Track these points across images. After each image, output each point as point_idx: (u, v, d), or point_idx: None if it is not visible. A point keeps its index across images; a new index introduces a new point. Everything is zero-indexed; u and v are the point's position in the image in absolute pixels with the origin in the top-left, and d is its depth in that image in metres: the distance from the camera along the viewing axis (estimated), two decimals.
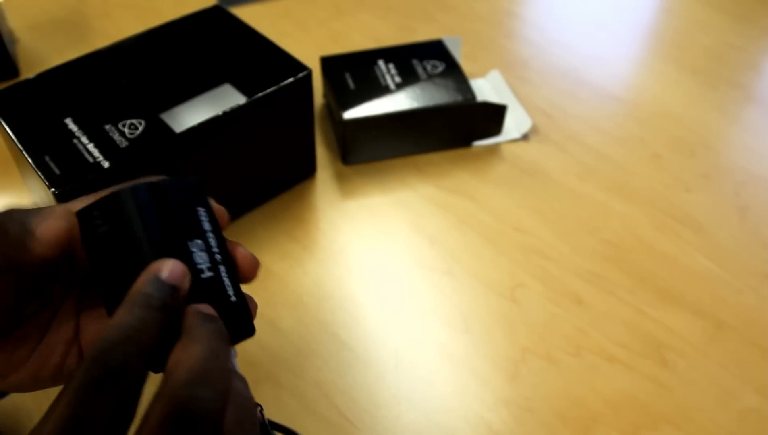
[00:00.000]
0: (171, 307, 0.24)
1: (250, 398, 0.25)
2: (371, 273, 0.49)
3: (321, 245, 0.51)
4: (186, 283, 0.24)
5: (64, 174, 0.41)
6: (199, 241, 0.25)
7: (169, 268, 0.24)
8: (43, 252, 0.26)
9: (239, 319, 0.27)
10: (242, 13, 0.72)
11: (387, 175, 0.56)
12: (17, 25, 0.71)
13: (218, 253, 0.26)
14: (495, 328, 0.45)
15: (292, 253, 0.50)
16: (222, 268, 0.26)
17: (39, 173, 0.41)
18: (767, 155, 0.59)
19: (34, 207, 0.28)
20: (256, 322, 0.46)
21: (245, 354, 0.44)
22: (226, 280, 0.26)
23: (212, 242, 0.26)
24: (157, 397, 0.22)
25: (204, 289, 0.25)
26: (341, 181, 0.56)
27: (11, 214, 0.26)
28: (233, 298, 0.26)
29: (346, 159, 0.56)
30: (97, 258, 0.26)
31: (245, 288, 0.29)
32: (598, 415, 0.41)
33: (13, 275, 0.27)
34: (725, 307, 0.47)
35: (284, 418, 0.41)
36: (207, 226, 0.26)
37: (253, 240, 0.51)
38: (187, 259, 0.25)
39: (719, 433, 0.41)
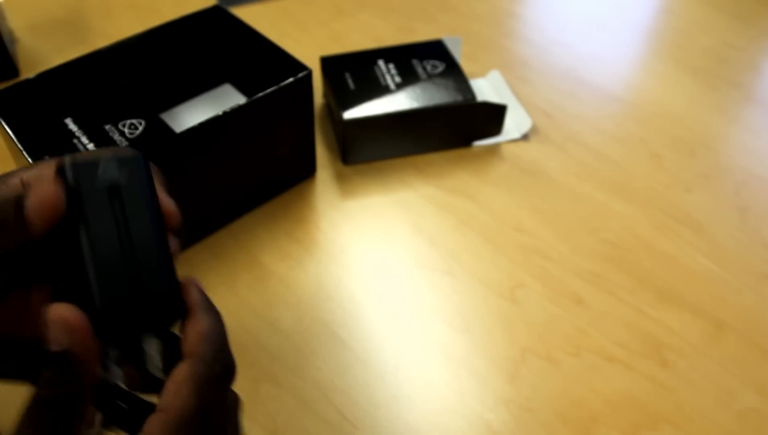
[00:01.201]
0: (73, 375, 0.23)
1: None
2: (371, 273, 0.49)
3: (321, 245, 0.51)
4: (80, 334, 0.23)
5: None
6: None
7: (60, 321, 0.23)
8: (41, 227, 0.25)
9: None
10: (242, 13, 0.72)
11: (387, 175, 0.56)
12: (17, 25, 0.71)
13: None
14: (495, 328, 0.45)
15: (293, 253, 0.50)
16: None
17: None
18: (767, 155, 0.59)
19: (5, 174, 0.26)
20: (256, 322, 0.46)
21: (245, 354, 0.44)
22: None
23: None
24: (185, 362, 0.24)
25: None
26: (341, 181, 0.56)
27: None
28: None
29: (346, 159, 0.56)
30: None
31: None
32: (598, 415, 0.41)
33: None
34: (725, 307, 0.47)
35: (284, 418, 0.41)
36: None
37: (253, 240, 0.51)
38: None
39: (719, 433, 0.40)
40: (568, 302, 0.47)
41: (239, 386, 0.42)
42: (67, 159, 0.26)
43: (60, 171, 0.26)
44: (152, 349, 0.26)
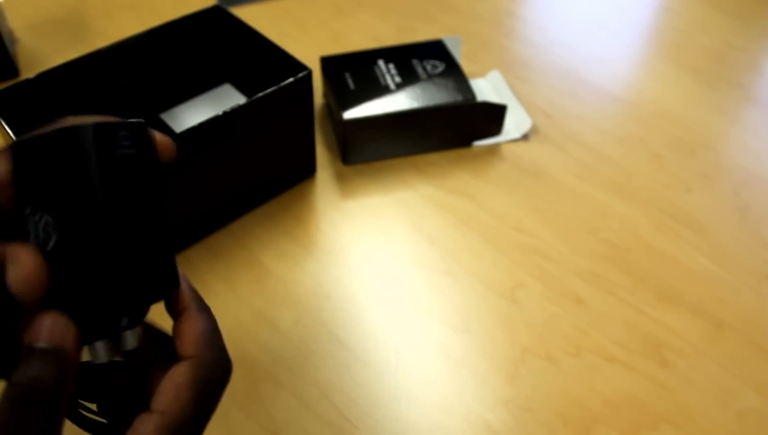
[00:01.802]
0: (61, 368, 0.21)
1: None
2: (371, 273, 0.49)
3: (321, 245, 0.51)
4: (69, 341, 0.21)
5: None
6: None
7: (46, 329, 0.21)
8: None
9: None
10: (242, 13, 0.72)
11: (387, 175, 0.56)
12: (17, 25, 0.71)
13: None
14: (495, 328, 0.45)
15: (292, 253, 0.50)
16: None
17: None
18: (767, 155, 0.59)
19: None
20: (256, 322, 0.46)
21: (245, 354, 0.44)
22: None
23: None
24: (184, 364, 0.24)
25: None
26: (341, 181, 0.56)
27: None
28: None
29: (346, 159, 0.56)
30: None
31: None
32: (598, 415, 0.41)
33: None
34: (725, 307, 0.47)
35: (284, 418, 0.41)
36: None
37: (253, 240, 0.51)
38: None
39: (719, 433, 0.41)
40: (568, 302, 0.47)
41: (239, 386, 0.42)
42: (86, 122, 0.24)
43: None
44: (129, 332, 0.24)
